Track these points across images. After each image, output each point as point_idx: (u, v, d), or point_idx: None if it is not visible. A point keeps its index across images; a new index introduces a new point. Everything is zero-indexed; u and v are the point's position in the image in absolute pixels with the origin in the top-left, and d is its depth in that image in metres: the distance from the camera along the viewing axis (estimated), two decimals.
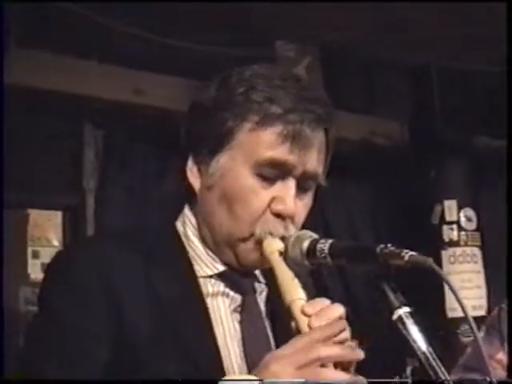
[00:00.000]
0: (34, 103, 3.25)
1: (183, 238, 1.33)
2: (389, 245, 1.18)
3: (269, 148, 1.24)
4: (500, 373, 2.68)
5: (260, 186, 1.26)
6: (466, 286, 4.14)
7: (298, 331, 1.17)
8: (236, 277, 1.32)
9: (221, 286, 1.32)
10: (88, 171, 3.62)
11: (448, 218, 4.21)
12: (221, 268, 1.31)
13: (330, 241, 1.23)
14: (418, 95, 4.35)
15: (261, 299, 1.36)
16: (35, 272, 3.31)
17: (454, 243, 4.20)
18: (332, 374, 1.11)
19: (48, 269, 1.31)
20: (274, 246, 1.25)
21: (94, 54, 3.30)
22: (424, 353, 1.13)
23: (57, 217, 3.53)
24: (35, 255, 3.34)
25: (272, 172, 1.25)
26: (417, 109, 4.36)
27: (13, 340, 3.01)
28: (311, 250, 1.23)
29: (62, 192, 3.54)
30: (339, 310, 1.19)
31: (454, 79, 4.05)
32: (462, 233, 4.21)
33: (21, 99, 3.17)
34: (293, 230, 1.27)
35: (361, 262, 1.21)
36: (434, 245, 4.18)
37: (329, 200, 4.26)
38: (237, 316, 1.31)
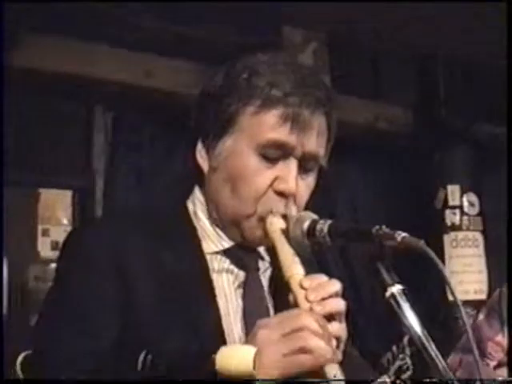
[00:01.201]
0: (46, 86, 3.30)
1: (192, 217, 1.40)
2: (383, 226, 1.24)
3: (270, 130, 1.31)
4: (499, 355, 2.74)
5: (263, 166, 1.32)
6: (468, 270, 4.19)
7: (296, 304, 1.23)
8: (241, 254, 1.39)
9: (226, 263, 1.38)
10: (97, 153, 3.67)
11: (451, 203, 4.25)
12: (226, 245, 1.38)
13: (329, 222, 1.29)
14: (422, 82, 4.36)
15: (264, 277, 1.42)
16: (45, 250, 3.36)
17: (456, 227, 4.24)
18: (314, 341, 1.15)
19: (62, 247, 1.38)
20: (275, 225, 1.31)
21: (105, 38, 3.33)
22: (418, 334, 1.18)
23: (67, 197, 3.55)
24: (45, 233, 3.37)
25: (274, 153, 1.32)
26: (421, 95, 4.38)
27: (23, 316, 3.09)
28: (311, 230, 1.29)
29: (72, 173, 3.59)
30: (336, 285, 1.24)
31: (459, 67, 4.07)
32: (465, 217, 4.25)
33: (33, 82, 3.23)
34: (294, 209, 1.33)
35: (357, 242, 1.27)
36: (437, 229, 4.24)
37: (333, 183, 4.31)
38: (240, 292, 1.37)
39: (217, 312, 1.32)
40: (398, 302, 1.20)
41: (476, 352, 1.22)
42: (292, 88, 1.31)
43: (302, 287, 1.23)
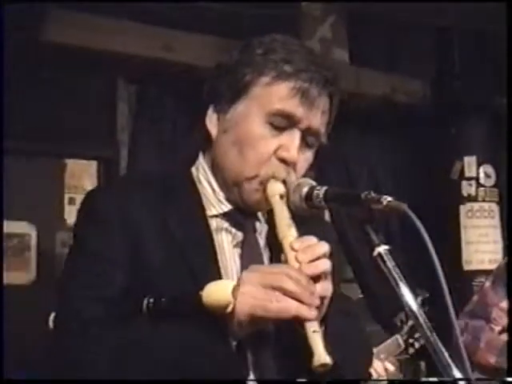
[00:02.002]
0: (73, 60, 3.39)
1: (196, 182, 1.51)
2: (371, 192, 1.33)
3: (280, 101, 1.42)
4: (504, 321, 2.83)
5: (269, 133, 1.43)
6: (483, 240, 4.24)
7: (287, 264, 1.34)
8: (239, 217, 1.49)
9: (225, 224, 1.49)
10: (121, 124, 3.76)
11: (467, 174, 4.29)
12: (225, 209, 1.48)
13: (325, 187, 1.41)
14: (439, 54, 4.37)
15: (261, 238, 1.52)
16: (71, 218, 3.43)
17: (472, 198, 4.29)
18: (293, 286, 1.26)
19: (80, 206, 1.50)
20: (275, 189, 1.42)
21: (126, 14, 3.41)
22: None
23: (92, 167, 3.66)
24: (71, 202, 3.45)
25: (281, 122, 1.43)
26: (438, 67, 4.39)
27: (51, 279, 3.21)
28: (309, 195, 1.40)
29: (97, 144, 3.69)
30: (324, 247, 1.35)
31: (475, 39, 4.08)
32: (481, 188, 4.29)
33: (60, 57, 3.33)
34: (294, 176, 1.44)
35: (349, 205, 1.38)
36: (453, 199, 4.30)
37: (351, 154, 4.38)
38: (238, 251, 1.48)
39: (217, 268, 1.43)
40: (384, 261, 1.29)
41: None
42: (304, 66, 1.42)
43: (292, 249, 1.34)
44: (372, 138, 4.44)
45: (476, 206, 4.28)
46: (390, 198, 1.30)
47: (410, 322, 2.97)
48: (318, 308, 1.30)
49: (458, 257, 4.21)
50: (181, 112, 3.73)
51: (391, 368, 2.97)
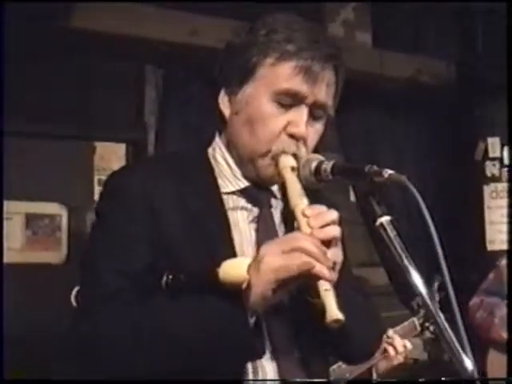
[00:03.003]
0: (101, 46, 3.46)
1: (212, 161, 1.59)
2: (374, 165, 1.40)
3: (285, 80, 1.49)
4: None
5: (277, 111, 1.50)
6: (506, 220, 4.25)
7: (299, 230, 1.41)
8: (255, 192, 1.57)
9: (241, 202, 1.56)
10: (149, 108, 3.83)
11: (491, 155, 4.32)
12: (242, 185, 1.56)
13: (333, 162, 1.48)
14: (463, 36, 4.37)
15: (276, 212, 1.59)
16: None
17: (496, 179, 4.31)
18: (308, 259, 1.32)
19: (103, 185, 1.58)
20: (286, 163, 1.49)
21: (154, 0, 3.48)
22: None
23: (121, 149, 3.72)
24: (100, 183, 3.46)
25: (287, 100, 1.50)
26: (462, 49, 4.40)
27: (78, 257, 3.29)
28: (318, 169, 1.47)
29: (125, 127, 3.77)
30: (334, 214, 1.42)
31: (499, 20, 4.06)
32: (504, 169, 4.32)
33: (88, 43, 3.41)
34: (303, 150, 1.51)
35: (354, 178, 1.45)
36: (477, 180, 4.33)
37: (377, 135, 4.41)
38: (253, 226, 1.55)
39: (231, 244, 1.50)
40: (386, 231, 1.35)
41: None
42: (305, 44, 1.49)
43: (304, 215, 1.41)
44: (396, 120, 4.45)
45: (500, 186, 4.30)
46: (390, 171, 1.36)
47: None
48: (332, 275, 1.36)
49: (482, 237, 4.23)
50: (207, 95, 3.77)
51: (409, 346, 3.02)
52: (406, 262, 1.33)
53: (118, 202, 1.50)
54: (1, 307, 2.91)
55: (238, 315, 1.35)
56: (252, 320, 1.38)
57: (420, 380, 3.29)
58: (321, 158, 1.51)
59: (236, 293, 1.34)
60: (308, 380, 1.48)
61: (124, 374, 1.38)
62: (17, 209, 3.41)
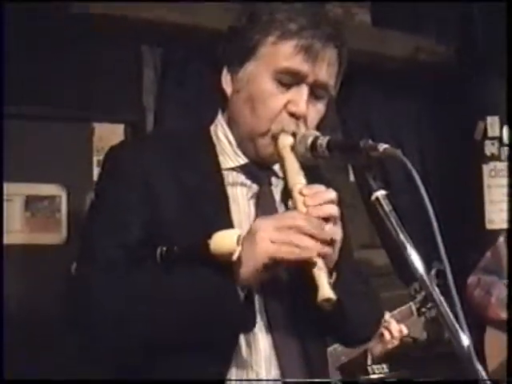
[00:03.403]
0: (98, 26, 3.45)
1: (213, 137, 1.61)
2: (369, 140, 1.41)
3: (286, 59, 1.50)
4: None
5: (278, 90, 1.52)
6: (506, 199, 4.25)
7: (296, 209, 1.42)
8: (255, 170, 1.58)
9: (241, 178, 1.58)
10: (147, 89, 3.81)
11: (490, 134, 4.30)
12: (242, 161, 1.57)
13: (328, 137, 1.49)
14: (463, 14, 4.34)
15: (277, 191, 1.61)
16: None
17: (495, 158, 4.30)
18: (302, 240, 1.34)
19: (102, 161, 1.60)
20: (285, 141, 1.51)
21: None
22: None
23: (119, 130, 3.71)
24: (100, 164, 3.54)
25: (288, 79, 1.51)
26: (462, 27, 4.37)
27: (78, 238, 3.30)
28: (313, 145, 1.48)
29: (124, 108, 3.74)
30: (331, 194, 1.43)
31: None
32: (504, 148, 4.30)
33: (89, 25, 3.40)
34: (303, 129, 1.52)
35: (349, 153, 1.45)
36: (477, 159, 4.32)
37: (375, 115, 4.40)
38: (253, 202, 1.57)
39: (229, 218, 1.51)
40: (381, 205, 1.37)
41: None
42: (307, 23, 1.50)
43: (301, 194, 1.42)
44: (396, 98, 4.44)
45: (499, 165, 4.29)
46: (385, 146, 1.37)
47: (423, 293, 3.01)
48: (328, 250, 1.37)
49: (481, 216, 4.24)
50: (205, 75, 3.77)
51: (405, 331, 3.04)
52: (401, 236, 1.33)
53: (114, 176, 1.53)
54: (1, 288, 2.94)
55: (228, 287, 1.37)
56: (242, 293, 1.38)
57: (420, 380, 3.31)
58: (317, 133, 1.52)
59: (228, 265, 1.35)
60: (308, 380, 1.49)
61: (117, 343, 1.39)
62: (17, 191, 3.41)
